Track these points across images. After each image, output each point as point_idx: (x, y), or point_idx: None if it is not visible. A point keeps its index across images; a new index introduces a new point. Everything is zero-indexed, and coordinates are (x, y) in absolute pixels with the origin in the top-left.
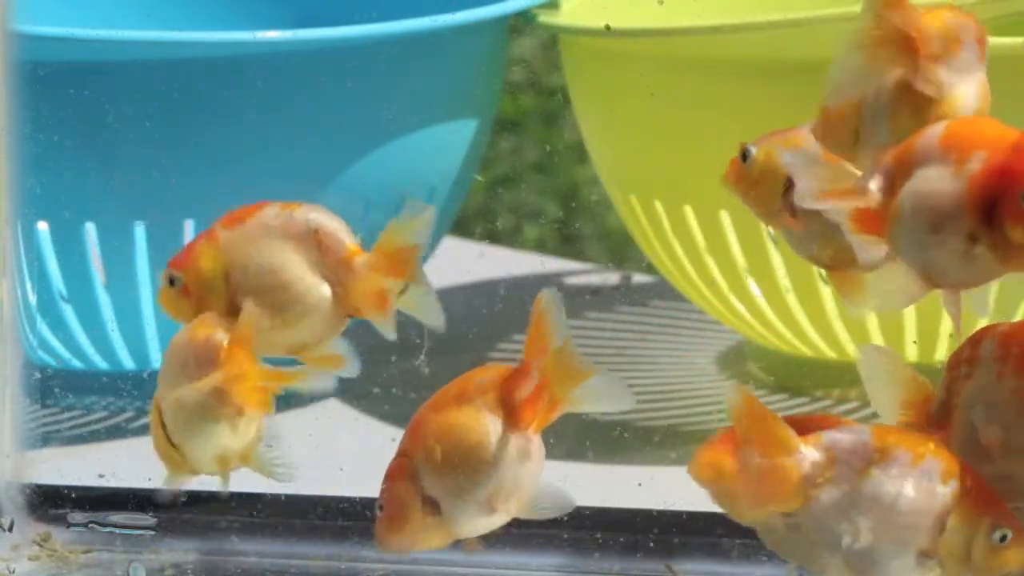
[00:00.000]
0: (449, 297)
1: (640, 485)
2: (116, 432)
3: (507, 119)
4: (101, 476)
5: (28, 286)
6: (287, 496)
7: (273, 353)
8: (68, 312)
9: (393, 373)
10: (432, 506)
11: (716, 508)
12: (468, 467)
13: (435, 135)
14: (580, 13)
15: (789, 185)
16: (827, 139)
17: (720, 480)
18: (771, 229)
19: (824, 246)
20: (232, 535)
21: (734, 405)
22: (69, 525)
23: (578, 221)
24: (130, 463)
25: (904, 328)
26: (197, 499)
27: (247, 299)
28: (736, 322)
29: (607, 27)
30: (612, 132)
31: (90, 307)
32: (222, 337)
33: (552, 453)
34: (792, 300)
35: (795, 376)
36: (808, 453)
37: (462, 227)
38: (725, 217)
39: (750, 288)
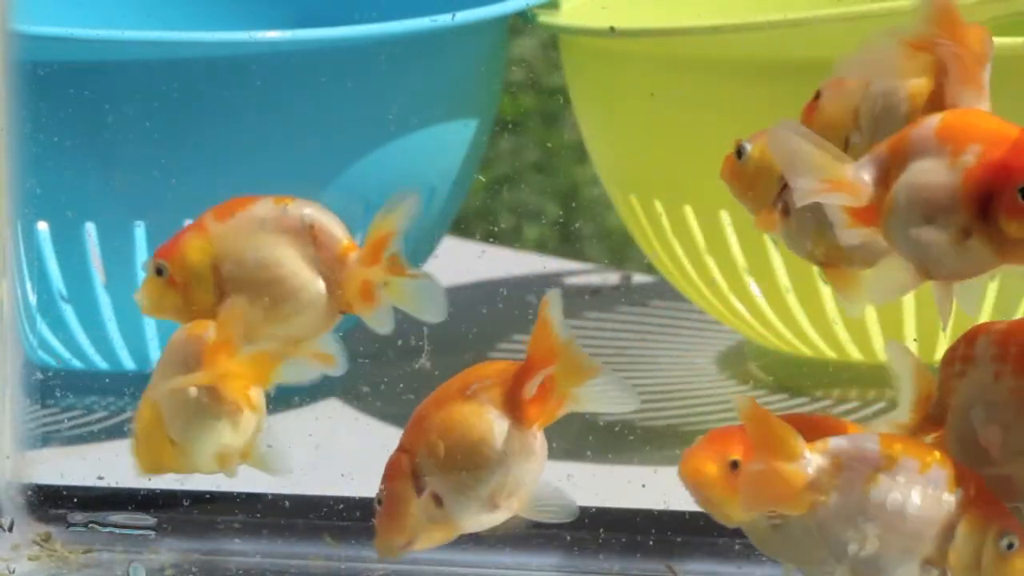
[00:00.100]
0: (449, 297)
1: (644, 486)
2: (116, 432)
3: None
4: (100, 478)
5: (28, 286)
6: (287, 496)
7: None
8: (68, 312)
9: (393, 373)
10: (434, 502)
11: None
12: (471, 463)
13: (435, 135)
14: (580, 13)
15: (784, 183)
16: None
17: (708, 483)
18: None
19: (818, 243)
20: (232, 535)
21: (741, 410)
22: (69, 525)
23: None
24: (130, 463)
25: (904, 327)
26: (197, 499)
27: (236, 295)
28: (736, 322)
29: (612, 29)
30: (612, 132)
31: (90, 307)
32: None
33: (552, 453)
34: (792, 300)
35: (795, 376)
36: (814, 459)
37: (462, 227)
38: (725, 217)
39: (750, 288)
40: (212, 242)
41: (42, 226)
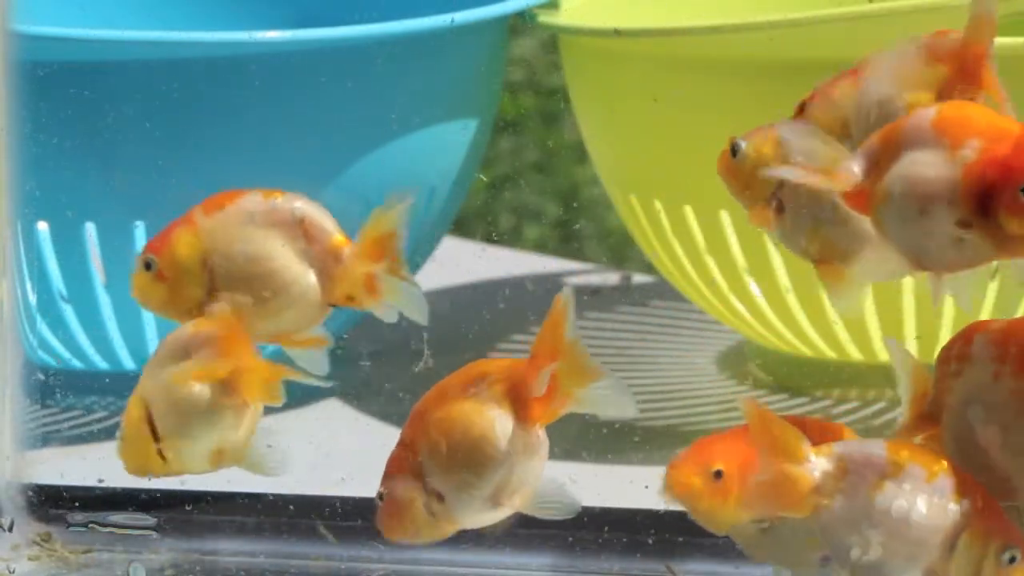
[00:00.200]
0: (449, 297)
1: (647, 487)
2: (116, 432)
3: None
4: (101, 480)
5: (28, 286)
6: (287, 496)
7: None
8: (68, 312)
9: (393, 373)
10: (435, 499)
11: None
12: (473, 461)
13: (435, 135)
14: (580, 13)
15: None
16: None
17: (693, 495)
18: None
19: (812, 240)
20: (232, 535)
21: (746, 412)
22: (69, 525)
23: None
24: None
25: (904, 327)
26: (197, 499)
27: (226, 289)
28: (736, 322)
29: (616, 31)
30: (612, 132)
31: (90, 307)
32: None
33: (553, 453)
34: (792, 300)
35: (795, 376)
36: (819, 462)
37: (462, 227)
38: (725, 217)
39: (750, 288)
40: (201, 236)
41: (42, 226)
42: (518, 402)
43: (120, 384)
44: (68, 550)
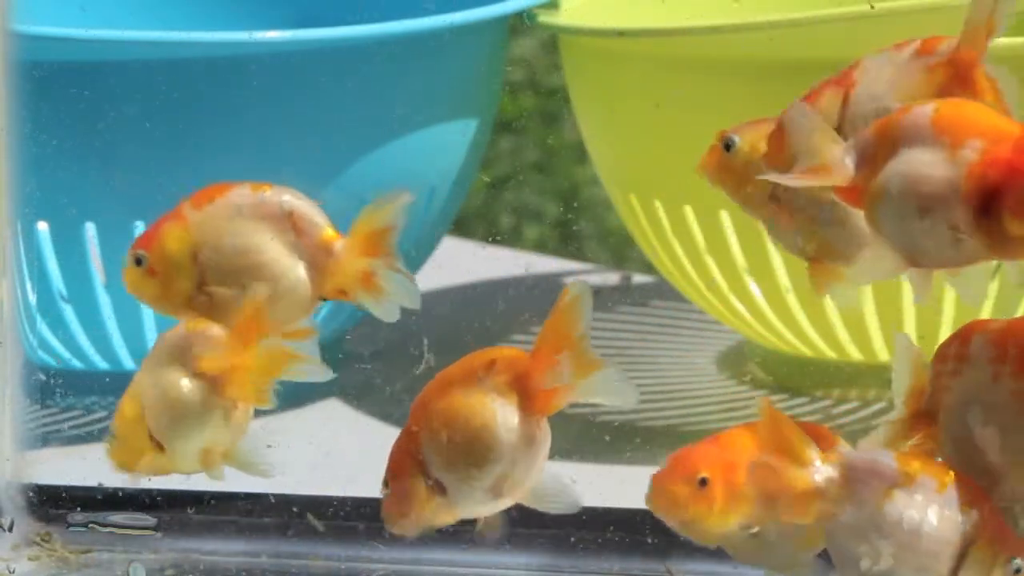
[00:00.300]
0: (449, 297)
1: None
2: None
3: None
4: (101, 484)
5: (28, 286)
6: (287, 496)
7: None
8: (68, 312)
9: (393, 373)
10: (437, 489)
11: None
12: (475, 452)
13: (435, 135)
14: (580, 13)
15: None
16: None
17: (680, 505)
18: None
19: (808, 238)
20: (232, 535)
21: (762, 412)
22: (69, 525)
23: (578, 221)
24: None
25: (904, 327)
26: (197, 499)
27: (218, 283)
28: (736, 322)
29: (619, 33)
30: (612, 132)
31: (90, 307)
32: (219, 331)
33: (553, 453)
34: (792, 300)
35: (795, 376)
36: (824, 469)
37: (462, 227)
38: (725, 217)
39: (750, 288)
40: (190, 230)
41: (42, 226)
42: (522, 393)
43: (120, 384)
44: (68, 550)
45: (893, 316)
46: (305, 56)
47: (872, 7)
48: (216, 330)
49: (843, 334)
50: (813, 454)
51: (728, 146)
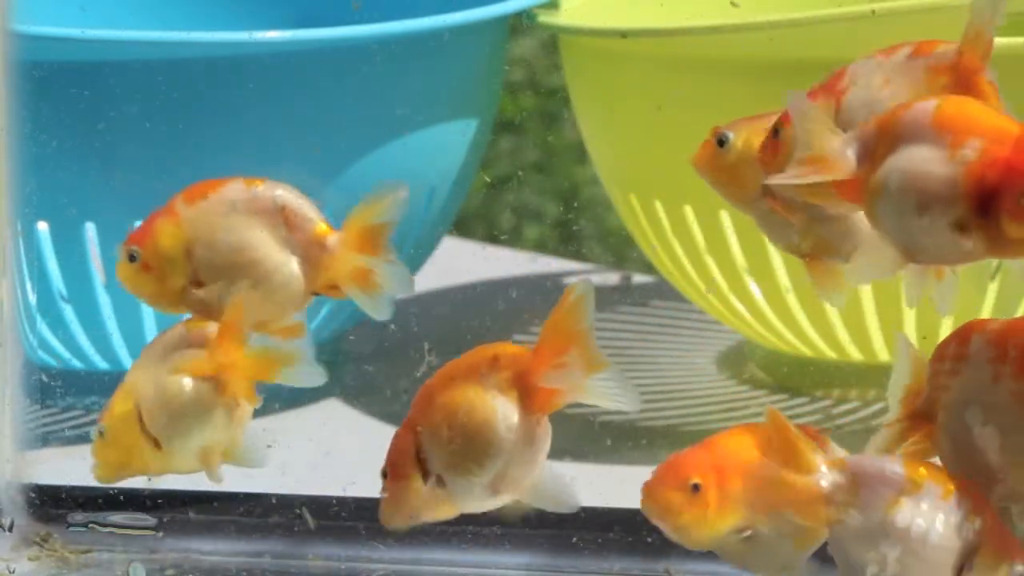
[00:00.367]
0: (449, 297)
1: None
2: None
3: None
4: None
5: (28, 286)
6: (287, 496)
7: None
8: (68, 312)
9: (394, 373)
10: (436, 483)
11: None
12: (474, 449)
13: (435, 135)
14: (580, 13)
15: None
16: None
17: (674, 511)
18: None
19: (805, 235)
20: (232, 535)
21: (769, 418)
22: (69, 525)
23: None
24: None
25: (904, 327)
26: (197, 499)
27: (211, 278)
28: (736, 322)
29: (623, 35)
30: (612, 132)
31: (90, 307)
32: (213, 329)
33: (553, 453)
34: (792, 300)
35: (795, 376)
36: (830, 475)
37: (462, 227)
38: (725, 217)
39: (750, 288)
40: (183, 226)
41: (42, 226)
42: (523, 390)
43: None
44: (68, 550)
45: (893, 316)
46: (305, 56)
47: (873, 13)
48: (214, 328)
49: (843, 334)
50: (819, 460)
51: (721, 142)
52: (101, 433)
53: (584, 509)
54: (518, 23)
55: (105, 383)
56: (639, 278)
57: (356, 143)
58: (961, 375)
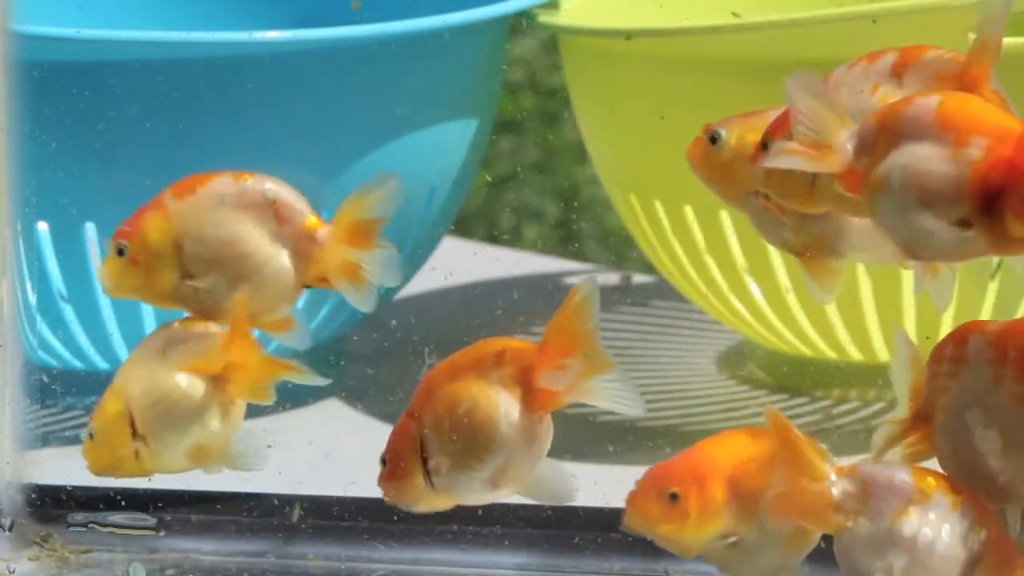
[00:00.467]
0: (449, 297)
1: None
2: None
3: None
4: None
5: (28, 286)
6: (287, 496)
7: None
8: (68, 312)
9: (394, 373)
10: (435, 475)
11: None
12: (474, 443)
13: (435, 135)
14: (580, 13)
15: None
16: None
17: (655, 521)
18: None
19: (798, 233)
20: (232, 535)
21: (771, 422)
22: (69, 525)
23: (578, 221)
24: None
25: (904, 327)
26: (197, 499)
27: (201, 273)
28: (736, 322)
29: (627, 36)
30: (612, 132)
31: (90, 307)
32: (214, 328)
33: (553, 453)
34: (792, 300)
35: (795, 376)
36: (840, 483)
37: (462, 227)
38: (725, 217)
39: (750, 288)
40: (172, 220)
41: (42, 226)
42: (526, 387)
43: None
44: (68, 550)
45: (893, 316)
46: (305, 56)
47: (874, 22)
48: (211, 327)
49: (843, 334)
50: (828, 468)
51: (714, 139)
52: (91, 435)
53: (584, 509)
54: (518, 23)
55: (105, 383)
56: (639, 278)
57: (356, 143)
58: (960, 377)
